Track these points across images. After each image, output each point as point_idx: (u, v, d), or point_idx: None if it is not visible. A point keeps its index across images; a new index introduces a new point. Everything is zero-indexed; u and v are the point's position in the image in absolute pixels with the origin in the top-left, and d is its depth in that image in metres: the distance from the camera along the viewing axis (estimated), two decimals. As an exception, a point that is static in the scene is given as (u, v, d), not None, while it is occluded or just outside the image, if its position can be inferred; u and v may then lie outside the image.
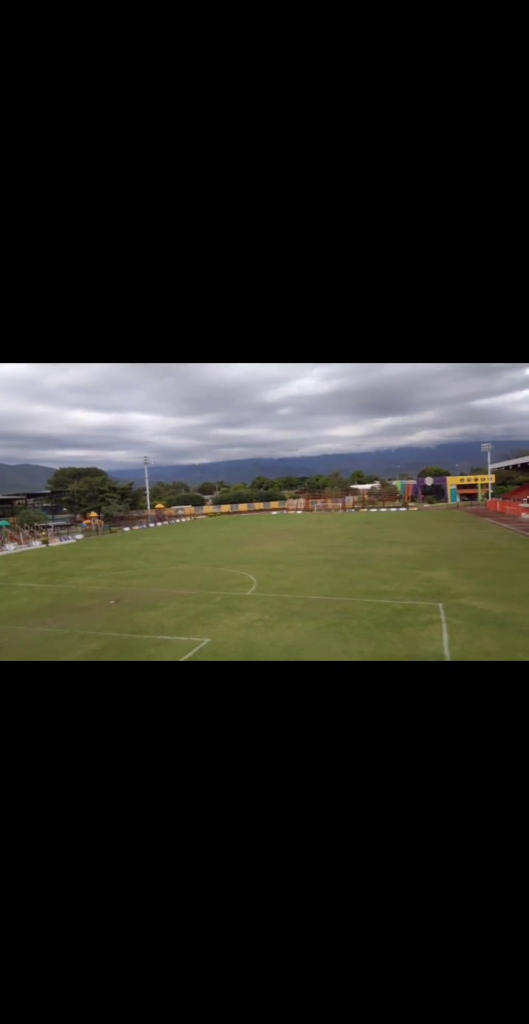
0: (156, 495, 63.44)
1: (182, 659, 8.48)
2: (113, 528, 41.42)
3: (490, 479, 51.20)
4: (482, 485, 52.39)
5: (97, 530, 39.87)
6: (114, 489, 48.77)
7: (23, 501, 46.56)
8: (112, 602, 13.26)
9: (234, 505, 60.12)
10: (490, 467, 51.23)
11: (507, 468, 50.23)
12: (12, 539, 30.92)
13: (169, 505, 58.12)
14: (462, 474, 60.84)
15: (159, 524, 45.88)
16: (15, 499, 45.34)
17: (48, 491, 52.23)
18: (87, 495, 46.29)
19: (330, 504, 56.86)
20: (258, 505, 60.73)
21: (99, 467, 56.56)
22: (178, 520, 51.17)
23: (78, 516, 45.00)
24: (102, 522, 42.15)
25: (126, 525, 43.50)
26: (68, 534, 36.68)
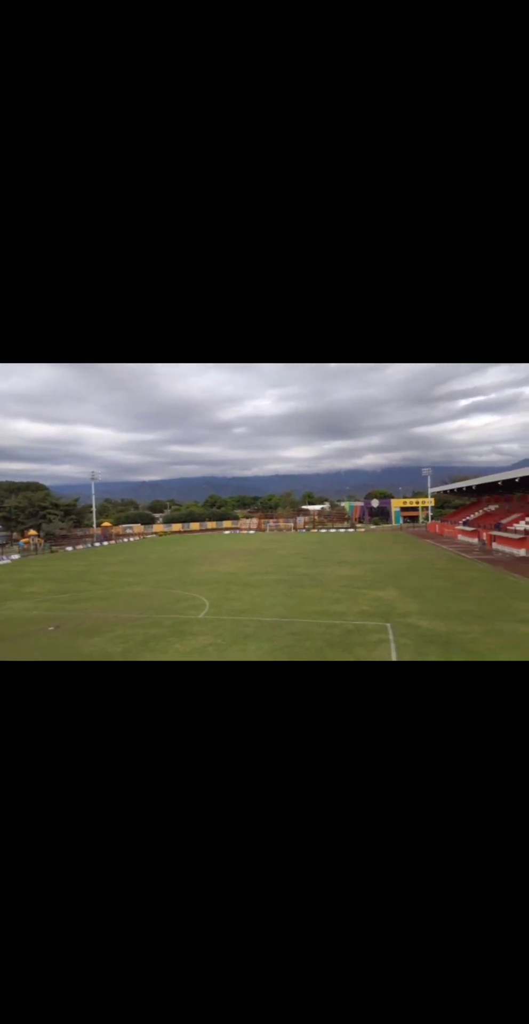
0: (103, 512, 60.67)
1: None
2: (54, 548, 38.98)
3: (430, 502, 54.73)
4: (423, 508, 55.83)
5: (36, 549, 37.29)
6: (57, 505, 45.99)
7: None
8: (51, 628, 12.31)
9: (186, 524, 58.99)
10: (430, 490, 54.82)
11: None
12: None
13: (117, 523, 55.81)
14: (405, 497, 64.42)
15: (105, 543, 43.80)
16: None
17: (-20, 506, 48.15)
18: (26, 511, 43.24)
19: (282, 524, 57.60)
20: (211, 524, 60.07)
21: (42, 481, 53.37)
22: (126, 539, 49.22)
23: (15, 534, 41.80)
24: (42, 541, 39.47)
25: (69, 544, 41.13)
26: (3, 554, 33.95)
